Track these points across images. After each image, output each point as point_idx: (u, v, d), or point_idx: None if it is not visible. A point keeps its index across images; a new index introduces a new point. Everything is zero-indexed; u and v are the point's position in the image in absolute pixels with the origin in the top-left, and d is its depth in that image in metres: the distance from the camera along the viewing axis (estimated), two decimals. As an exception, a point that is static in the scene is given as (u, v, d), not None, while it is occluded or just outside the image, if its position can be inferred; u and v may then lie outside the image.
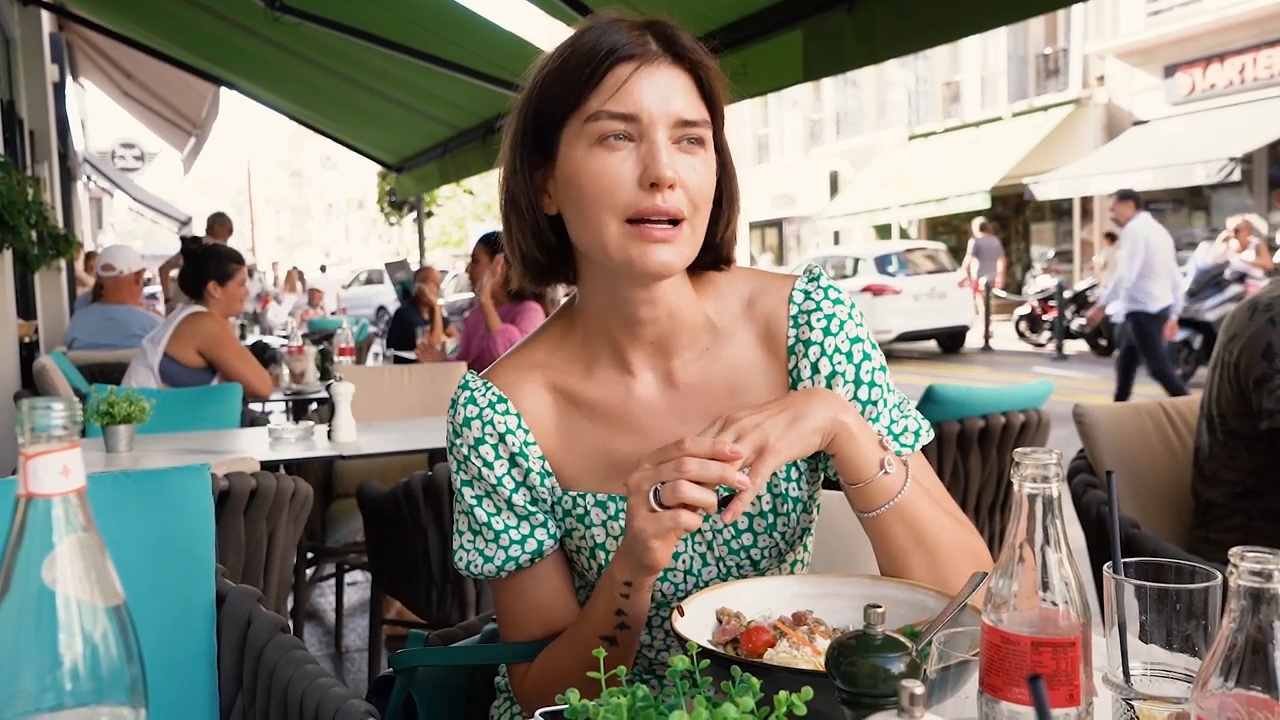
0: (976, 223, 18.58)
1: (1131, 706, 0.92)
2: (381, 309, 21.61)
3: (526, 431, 1.25)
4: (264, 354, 6.05)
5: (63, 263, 8.13)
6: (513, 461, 1.25)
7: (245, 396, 4.14)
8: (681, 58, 1.15)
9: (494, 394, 1.26)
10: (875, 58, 3.81)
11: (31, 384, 4.71)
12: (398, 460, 3.80)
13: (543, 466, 1.26)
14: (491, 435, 1.24)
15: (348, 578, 4.51)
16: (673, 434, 1.20)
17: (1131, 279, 8.32)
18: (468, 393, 1.27)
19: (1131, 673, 0.93)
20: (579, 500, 1.25)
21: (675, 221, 1.13)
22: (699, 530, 1.26)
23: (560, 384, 1.27)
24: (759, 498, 1.26)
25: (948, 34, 3.79)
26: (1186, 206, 19.77)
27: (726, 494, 1.24)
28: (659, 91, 1.12)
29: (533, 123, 1.19)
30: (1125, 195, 8.80)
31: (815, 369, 1.24)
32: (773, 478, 1.25)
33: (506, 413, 1.25)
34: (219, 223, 10.00)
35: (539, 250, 1.23)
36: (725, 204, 1.24)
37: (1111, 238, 15.60)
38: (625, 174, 1.12)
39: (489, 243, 4.75)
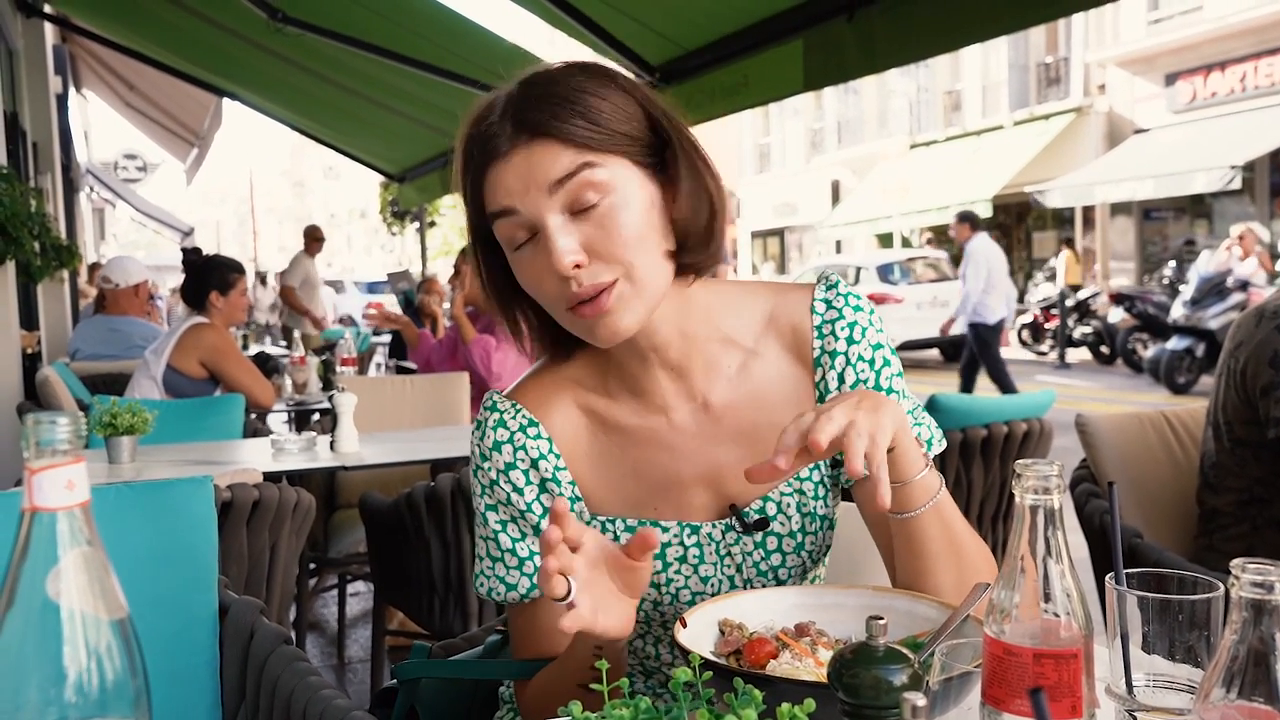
0: (924, 236, 18.67)
1: (1134, 718, 0.92)
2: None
3: (558, 456, 1.23)
4: (266, 364, 6.06)
5: (65, 274, 8.13)
6: (543, 487, 1.23)
7: (248, 407, 4.14)
8: (536, 130, 1.08)
9: (525, 417, 1.23)
10: (876, 67, 3.81)
11: (34, 395, 4.72)
12: (400, 471, 3.79)
13: (573, 491, 1.24)
14: (524, 460, 1.22)
15: (350, 588, 4.51)
16: (703, 457, 1.19)
17: (978, 295, 9.21)
18: (496, 415, 1.24)
19: (1134, 684, 0.93)
20: (608, 525, 1.24)
21: (603, 290, 1.09)
22: (728, 552, 1.25)
23: (591, 405, 1.25)
24: (788, 518, 1.24)
25: (948, 43, 3.79)
26: (1188, 214, 19.78)
27: (759, 515, 1.23)
28: (521, 177, 1.08)
29: (476, 227, 1.17)
30: (964, 218, 9.68)
31: (841, 379, 1.23)
32: (801, 497, 1.25)
33: (539, 437, 1.23)
34: (315, 236, 10.14)
35: (544, 327, 1.24)
36: (707, 196, 1.17)
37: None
38: (540, 270, 1.10)
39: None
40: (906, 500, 1.12)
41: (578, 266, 1.07)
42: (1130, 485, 2.36)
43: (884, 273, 16.20)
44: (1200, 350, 10.78)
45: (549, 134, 1.07)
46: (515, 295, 1.19)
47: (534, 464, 1.22)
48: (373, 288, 26.59)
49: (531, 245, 1.09)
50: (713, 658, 1.03)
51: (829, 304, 1.25)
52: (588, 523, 1.25)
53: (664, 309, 1.16)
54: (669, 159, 1.14)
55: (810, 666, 1.02)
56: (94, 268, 11.29)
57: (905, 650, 0.87)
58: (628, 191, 1.09)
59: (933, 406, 3.22)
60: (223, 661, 1.45)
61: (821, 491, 1.26)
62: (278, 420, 6.85)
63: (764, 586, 1.26)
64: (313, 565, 3.92)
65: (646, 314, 1.13)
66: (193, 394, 4.15)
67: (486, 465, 1.24)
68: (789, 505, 1.24)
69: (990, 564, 1.19)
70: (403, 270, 11.86)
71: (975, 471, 3.24)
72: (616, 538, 1.23)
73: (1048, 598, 0.83)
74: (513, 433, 1.23)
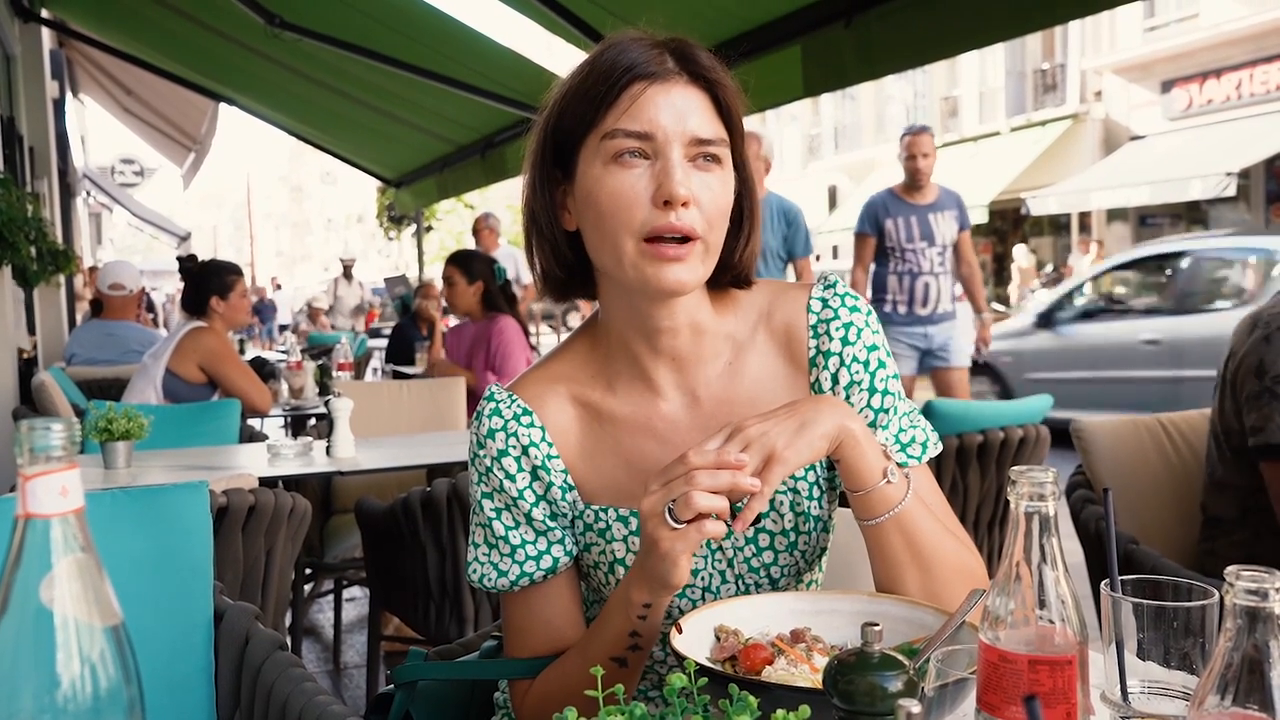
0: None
1: (1129, 724, 0.92)
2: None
3: (550, 445, 1.25)
4: (263, 369, 6.06)
5: (62, 278, 8.13)
6: (535, 475, 1.25)
7: (244, 412, 4.14)
8: (698, 76, 1.16)
9: (519, 406, 1.26)
10: (874, 73, 3.82)
11: (30, 400, 4.71)
12: (396, 476, 3.79)
13: (565, 480, 1.26)
14: (515, 448, 1.24)
15: (346, 594, 4.50)
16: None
17: None
18: (493, 404, 1.27)
19: (1129, 690, 0.93)
20: (601, 514, 1.25)
21: (689, 239, 1.13)
22: (720, 547, 1.25)
23: (585, 398, 1.27)
24: (781, 516, 1.25)
25: (946, 50, 3.80)
26: (1184, 221, 19.82)
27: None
28: (674, 109, 1.13)
29: (552, 140, 1.20)
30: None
31: (835, 379, 1.24)
32: (795, 496, 1.25)
33: (531, 425, 1.25)
34: (487, 227, 8.63)
35: (558, 266, 1.24)
36: (745, 222, 1.24)
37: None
38: (640, 191, 1.12)
39: (460, 264, 4.78)
40: (866, 508, 1.15)
41: (685, 205, 1.12)
42: (1126, 491, 2.36)
43: (881, 278, 16.13)
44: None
45: (710, 91, 1.17)
46: (552, 224, 1.23)
47: (525, 451, 1.24)
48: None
49: (643, 163, 1.13)
50: (708, 664, 1.03)
51: (825, 303, 1.26)
52: (580, 512, 1.26)
53: (687, 297, 1.20)
54: (740, 180, 1.23)
55: (806, 673, 1.02)
56: (94, 271, 11.27)
57: (900, 656, 0.87)
58: (727, 174, 1.18)
59: (929, 412, 3.21)
60: (217, 668, 1.45)
61: (816, 493, 1.26)
62: (274, 425, 6.85)
63: (757, 585, 1.26)
64: (308, 571, 3.91)
65: (699, 282, 1.17)
66: (191, 398, 4.14)
67: (482, 453, 1.26)
68: (782, 504, 1.25)
69: (971, 578, 1.19)
70: (399, 275, 11.84)
71: (971, 477, 3.24)
72: (608, 527, 1.25)
73: (1043, 604, 0.83)
74: (506, 421, 1.25)
